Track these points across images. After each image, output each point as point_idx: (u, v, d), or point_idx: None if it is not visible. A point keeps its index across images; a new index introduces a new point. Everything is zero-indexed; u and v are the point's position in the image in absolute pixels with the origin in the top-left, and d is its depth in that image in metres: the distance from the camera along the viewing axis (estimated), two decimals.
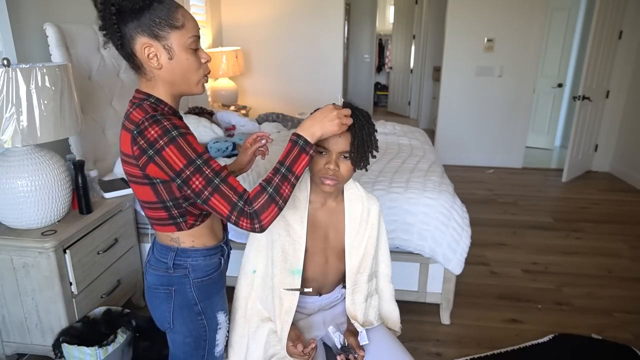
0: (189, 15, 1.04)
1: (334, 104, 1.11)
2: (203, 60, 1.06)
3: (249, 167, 1.35)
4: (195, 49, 1.04)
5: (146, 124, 0.96)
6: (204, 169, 0.96)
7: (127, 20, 0.97)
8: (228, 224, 1.31)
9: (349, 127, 1.15)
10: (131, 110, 1.02)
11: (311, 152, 1.03)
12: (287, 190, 1.00)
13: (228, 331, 1.29)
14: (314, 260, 1.30)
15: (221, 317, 1.22)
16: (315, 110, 1.10)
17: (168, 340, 1.24)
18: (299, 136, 1.02)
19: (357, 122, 1.16)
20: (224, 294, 1.26)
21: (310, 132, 1.03)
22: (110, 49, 2.68)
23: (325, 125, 1.04)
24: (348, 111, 1.08)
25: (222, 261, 1.22)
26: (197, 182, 0.96)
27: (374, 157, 1.23)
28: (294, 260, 1.25)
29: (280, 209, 0.99)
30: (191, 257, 1.14)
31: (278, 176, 0.99)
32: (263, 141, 1.31)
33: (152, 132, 0.95)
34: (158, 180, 1.02)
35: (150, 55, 0.99)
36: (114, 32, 0.98)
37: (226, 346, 1.31)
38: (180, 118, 1.11)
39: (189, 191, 0.98)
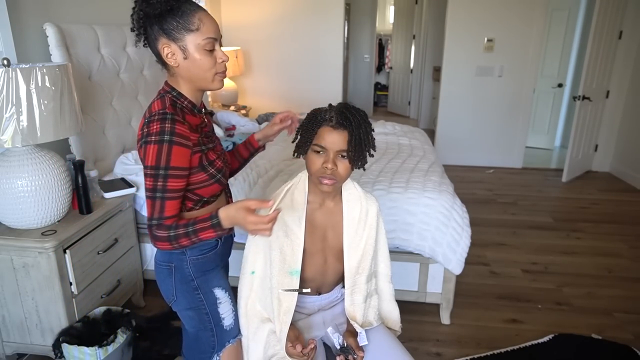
0: (207, 18, 1.12)
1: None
2: (219, 60, 1.15)
3: (273, 139, 1.49)
4: (212, 50, 1.13)
5: (156, 117, 1.09)
6: (159, 179, 1.08)
7: (152, 22, 1.09)
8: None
9: (346, 125, 1.16)
10: (156, 98, 1.15)
11: (219, 232, 1.11)
12: (185, 242, 1.12)
13: (234, 307, 1.34)
14: (312, 261, 1.30)
15: (219, 293, 1.30)
16: (314, 109, 1.13)
17: (178, 315, 1.33)
18: (216, 216, 1.10)
19: (354, 120, 1.17)
20: (221, 271, 1.35)
21: (229, 221, 1.10)
22: (111, 49, 2.68)
23: (246, 227, 1.08)
24: (273, 218, 1.06)
25: (219, 243, 1.30)
26: (147, 183, 1.10)
27: (372, 155, 1.23)
28: (292, 261, 1.25)
29: (175, 249, 1.13)
30: None
31: (183, 230, 1.10)
32: (289, 122, 1.43)
33: (154, 126, 1.07)
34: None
35: (169, 55, 1.11)
36: (141, 33, 1.12)
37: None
38: (199, 111, 1.23)
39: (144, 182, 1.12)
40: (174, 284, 1.26)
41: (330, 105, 1.22)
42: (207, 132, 1.23)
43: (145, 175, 1.10)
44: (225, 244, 1.34)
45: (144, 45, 1.15)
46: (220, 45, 1.16)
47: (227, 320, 1.31)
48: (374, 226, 1.33)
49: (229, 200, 1.37)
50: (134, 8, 1.10)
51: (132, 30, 1.13)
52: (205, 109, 1.29)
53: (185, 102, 1.17)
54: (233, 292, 1.36)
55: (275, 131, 1.45)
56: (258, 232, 1.07)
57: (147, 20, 1.09)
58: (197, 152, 1.14)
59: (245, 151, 1.49)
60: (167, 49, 1.10)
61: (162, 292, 1.31)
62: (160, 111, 1.09)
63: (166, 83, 1.18)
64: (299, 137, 1.24)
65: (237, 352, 1.34)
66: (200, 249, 1.25)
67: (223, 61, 1.15)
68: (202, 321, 1.29)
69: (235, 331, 1.33)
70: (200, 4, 1.13)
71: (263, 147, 1.51)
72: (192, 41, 1.09)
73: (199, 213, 1.22)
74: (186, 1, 1.10)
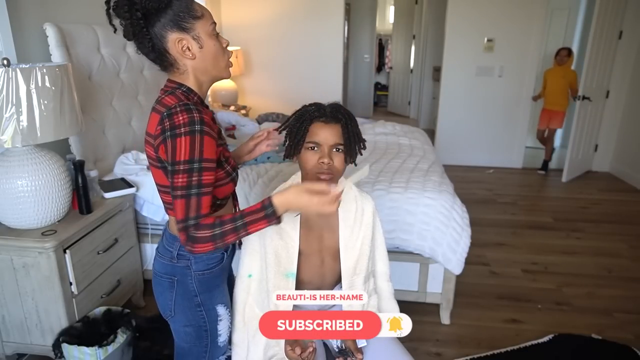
0: (203, 6, 1.11)
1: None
2: (224, 44, 1.13)
3: (249, 158, 1.38)
4: (217, 35, 1.11)
5: (178, 109, 1.01)
6: (194, 174, 1.00)
7: (154, 20, 1.02)
8: None
9: (339, 118, 1.19)
10: (163, 96, 1.07)
11: (273, 222, 1.04)
12: (231, 239, 1.03)
13: (231, 322, 1.31)
14: (309, 263, 1.29)
15: (221, 310, 1.25)
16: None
17: (172, 330, 1.28)
18: (270, 204, 1.03)
19: (343, 113, 1.20)
20: (225, 287, 1.29)
21: (285, 207, 1.04)
22: (111, 49, 2.66)
23: (310, 209, 1.05)
24: (339, 195, 1.05)
25: (225, 256, 1.25)
26: (179, 180, 1.00)
27: (361, 153, 1.25)
28: (287, 264, 1.25)
29: (216, 249, 1.03)
30: None
31: (231, 225, 1.01)
32: (259, 132, 1.37)
33: (181, 117, 1.00)
34: (167, 163, 1.05)
35: (184, 48, 1.05)
36: (143, 36, 1.02)
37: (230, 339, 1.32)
38: (207, 106, 1.18)
39: (170, 180, 1.02)
40: (174, 299, 1.20)
41: (314, 103, 1.23)
42: (218, 129, 1.17)
43: (176, 172, 0.99)
44: (230, 257, 1.30)
45: (149, 49, 1.04)
46: None
47: (223, 337, 1.27)
48: (370, 225, 1.32)
49: (234, 203, 1.32)
50: (128, 12, 0.98)
51: (132, 37, 1.02)
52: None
53: (196, 98, 1.10)
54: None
55: (250, 146, 1.36)
56: (324, 210, 1.03)
57: (148, 21, 1.01)
58: (219, 146, 1.09)
59: None
60: (182, 42, 1.04)
61: (159, 306, 1.24)
62: (180, 103, 1.02)
63: (170, 81, 1.11)
64: (287, 139, 1.24)
65: None
66: (206, 264, 1.19)
67: (227, 45, 1.14)
68: (200, 337, 1.24)
69: (226, 347, 1.31)
70: (200, 4, 1.11)
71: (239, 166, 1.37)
72: (202, 28, 1.06)
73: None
74: None
